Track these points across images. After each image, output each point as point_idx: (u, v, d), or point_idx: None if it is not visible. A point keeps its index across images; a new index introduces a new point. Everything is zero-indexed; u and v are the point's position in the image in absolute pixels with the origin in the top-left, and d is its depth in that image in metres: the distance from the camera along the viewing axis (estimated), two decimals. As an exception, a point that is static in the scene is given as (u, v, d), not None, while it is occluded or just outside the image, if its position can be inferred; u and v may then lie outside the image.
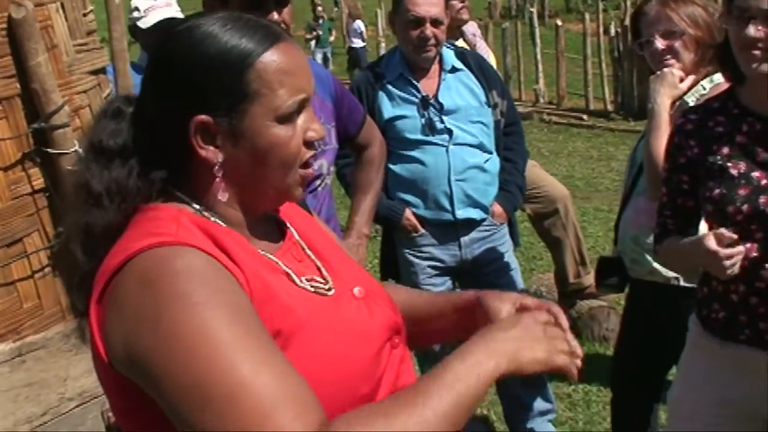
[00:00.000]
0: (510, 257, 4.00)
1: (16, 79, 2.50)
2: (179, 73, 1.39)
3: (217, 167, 1.39)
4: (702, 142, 2.42)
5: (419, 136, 3.71)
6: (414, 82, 3.74)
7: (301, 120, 1.42)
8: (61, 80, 2.61)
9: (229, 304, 1.26)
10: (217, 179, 1.40)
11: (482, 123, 3.80)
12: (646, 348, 3.28)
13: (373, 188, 3.35)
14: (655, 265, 3.14)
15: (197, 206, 1.42)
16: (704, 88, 2.92)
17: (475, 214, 3.81)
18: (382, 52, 21.49)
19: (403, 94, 3.74)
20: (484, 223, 3.84)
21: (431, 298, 1.83)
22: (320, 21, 20.38)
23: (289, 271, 1.44)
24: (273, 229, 1.54)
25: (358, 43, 19.27)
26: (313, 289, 1.45)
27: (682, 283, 3.11)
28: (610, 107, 14.64)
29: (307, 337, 1.36)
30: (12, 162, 2.54)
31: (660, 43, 2.96)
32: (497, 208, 3.86)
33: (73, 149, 2.59)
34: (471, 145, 3.76)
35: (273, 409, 1.19)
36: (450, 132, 3.72)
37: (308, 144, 1.44)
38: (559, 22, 16.35)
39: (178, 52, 1.40)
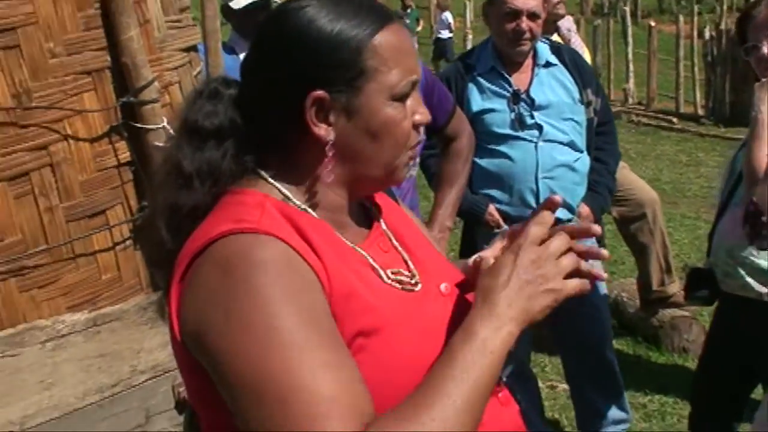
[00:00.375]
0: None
1: (107, 52, 2.51)
2: (295, 49, 1.37)
3: (329, 145, 1.37)
4: None
5: (508, 131, 3.63)
6: (506, 75, 3.67)
7: (409, 102, 1.41)
8: (152, 56, 2.61)
9: (300, 302, 1.24)
10: (327, 158, 1.38)
11: (574, 120, 3.70)
12: (732, 364, 3.16)
13: (459, 181, 3.29)
14: (748, 279, 3.02)
15: (286, 191, 1.40)
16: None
17: (561, 213, 3.71)
18: (469, 44, 21.36)
19: (493, 87, 3.67)
20: (570, 224, 3.75)
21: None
22: (408, 10, 20.31)
23: (376, 266, 1.41)
24: (361, 218, 1.51)
25: (445, 34, 19.17)
26: (399, 286, 1.42)
27: (774, 299, 2.99)
28: (700, 111, 14.31)
29: (389, 336, 1.33)
30: (99, 134, 2.55)
31: (767, 49, 2.84)
32: (584, 209, 3.75)
33: (160, 125, 2.59)
34: (561, 143, 3.66)
35: (323, 417, 1.16)
36: (540, 128, 3.63)
37: (415, 127, 1.42)
38: (653, 23, 16.01)
39: (293, 30, 1.38)
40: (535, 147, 3.62)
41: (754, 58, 2.90)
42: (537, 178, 3.63)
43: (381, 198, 1.61)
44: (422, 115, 1.42)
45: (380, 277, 1.40)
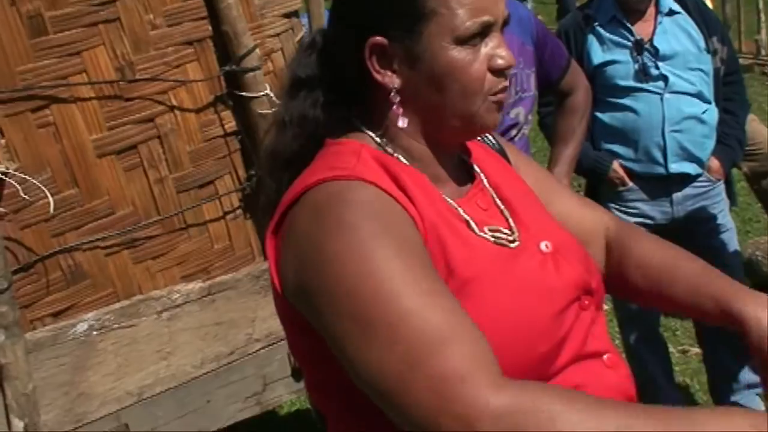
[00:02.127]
0: (725, 217, 3.66)
1: (208, 21, 2.47)
2: None
3: (393, 93, 1.31)
4: None
5: (632, 83, 3.44)
6: (627, 25, 3.47)
7: (486, 46, 1.30)
8: (253, 23, 2.56)
9: (397, 237, 1.18)
10: (395, 106, 1.32)
11: (701, 70, 3.47)
12: None
13: (575, 137, 3.14)
14: None
15: (380, 139, 1.35)
16: None
17: (690, 168, 3.50)
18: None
19: (615, 38, 3.47)
20: (700, 179, 3.53)
21: (671, 265, 1.56)
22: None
23: (469, 219, 1.33)
24: (462, 174, 1.44)
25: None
26: (493, 239, 1.33)
27: None
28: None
29: (479, 288, 1.25)
30: (204, 104, 2.53)
31: None
32: (714, 163, 3.53)
33: (264, 93, 2.54)
34: (688, 94, 3.45)
35: (440, 343, 1.09)
36: (666, 79, 3.42)
37: (495, 71, 1.31)
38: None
39: None
40: (661, 99, 3.42)
41: None
42: (664, 131, 3.43)
43: (489, 155, 1.53)
44: (503, 59, 1.31)
45: (472, 230, 1.32)
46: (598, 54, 3.48)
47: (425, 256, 1.20)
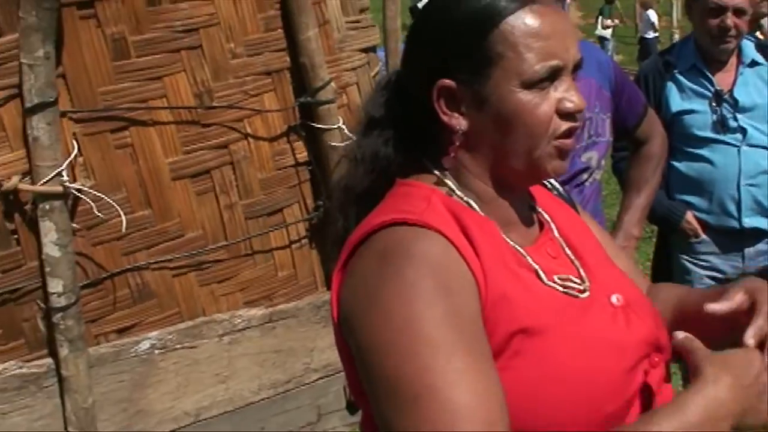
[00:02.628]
0: None
1: (287, 52, 2.50)
2: (428, 36, 1.34)
3: (458, 134, 1.30)
4: None
5: (709, 134, 3.37)
6: (708, 74, 3.41)
7: (556, 90, 1.28)
8: (330, 56, 2.58)
9: (448, 303, 1.16)
10: (453, 147, 1.30)
11: None
12: None
13: (649, 186, 3.07)
14: None
15: (452, 183, 1.33)
16: None
17: (764, 224, 3.42)
18: (677, 43, 20.52)
19: (694, 87, 3.41)
20: None
21: (701, 296, 1.59)
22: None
23: (538, 268, 1.31)
24: (531, 220, 1.41)
25: (650, 34, 18.49)
26: (563, 290, 1.31)
27: None
28: None
29: (547, 342, 1.22)
30: (278, 134, 2.54)
31: None
32: None
33: (336, 125, 2.55)
34: (766, 148, 3.38)
35: (452, 425, 1.08)
36: (744, 131, 3.35)
37: (563, 115, 1.29)
38: None
39: (430, 15, 1.35)
40: (738, 151, 3.35)
41: None
42: (739, 184, 3.35)
43: (557, 203, 1.51)
44: (573, 103, 1.28)
45: (541, 279, 1.30)
46: (676, 101, 3.42)
47: (475, 328, 1.18)
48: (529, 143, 1.28)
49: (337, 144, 2.55)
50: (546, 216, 1.43)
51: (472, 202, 1.31)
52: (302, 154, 2.59)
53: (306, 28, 2.44)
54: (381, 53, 2.76)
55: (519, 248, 1.30)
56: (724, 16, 3.27)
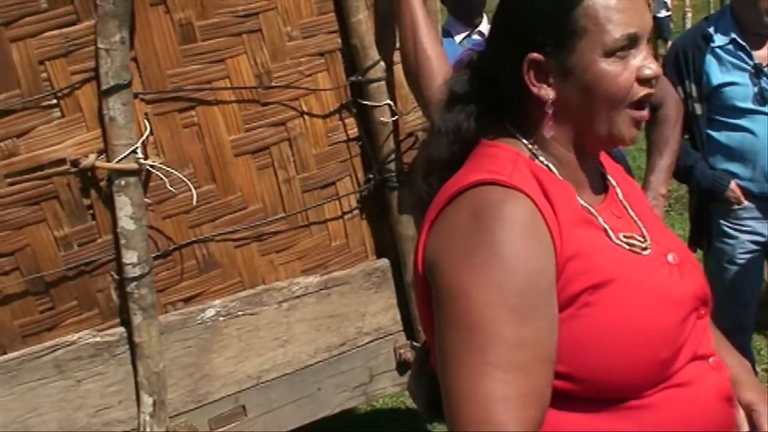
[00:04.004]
0: None
1: (338, 34, 2.58)
2: (514, 14, 1.43)
3: (548, 104, 1.40)
4: None
5: (750, 105, 3.45)
6: (747, 48, 3.48)
7: (635, 57, 1.38)
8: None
9: (533, 268, 1.27)
10: (547, 116, 1.41)
11: None
12: None
13: (669, 147, 3.15)
14: None
15: (532, 146, 1.44)
16: None
17: None
18: (689, 23, 20.38)
19: (734, 60, 3.48)
20: None
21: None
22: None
23: (607, 227, 1.42)
24: (598, 183, 1.53)
25: (662, 12, 18.37)
26: (628, 247, 1.42)
27: None
28: None
29: (615, 293, 1.34)
30: (330, 111, 2.63)
31: None
32: None
33: (385, 102, 2.64)
34: None
35: (504, 389, 1.21)
36: None
37: (642, 81, 1.39)
38: None
39: None
40: None
41: None
42: None
43: (616, 169, 1.63)
44: (651, 69, 1.38)
45: (610, 238, 1.40)
46: (716, 74, 3.49)
47: (546, 295, 1.28)
48: (611, 108, 1.39)
49: (385, 120, 2.64)
50: (611, 180, 1.54)
51: (552, 166, 1.42)
52: (353, 131, 2.68)
53: (356, 11, 2.52)
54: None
55: (591, 209, 1.41)
56: None
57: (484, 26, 4.09)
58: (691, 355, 1.40)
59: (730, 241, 3.60)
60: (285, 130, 2.57)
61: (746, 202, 3.52)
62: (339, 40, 2.59)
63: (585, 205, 1.42)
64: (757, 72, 3.42)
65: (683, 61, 3.47)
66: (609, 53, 1.36)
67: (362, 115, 2.67)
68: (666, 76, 3.48)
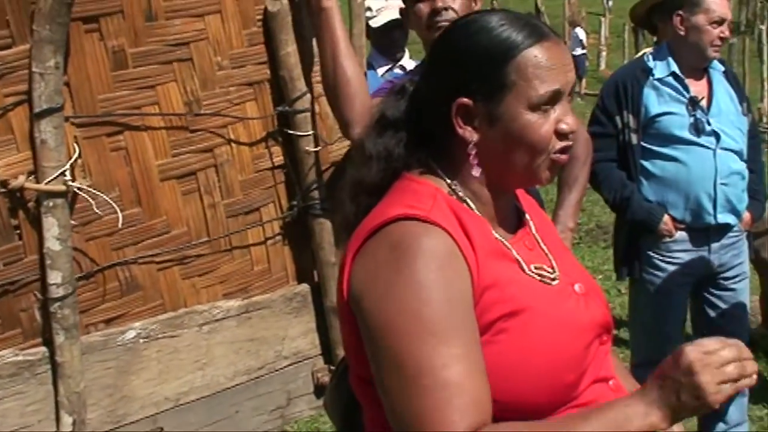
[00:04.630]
0: (746, 266, 3.89)
1: (268, 65, 2.70)
2: (452, 59, 1.51)
3: (471, 145, 1.48)
4: None
5: (687, 135, 3.63)
6: (685, 82, 3.71)
7: (555, 111, 1.47)
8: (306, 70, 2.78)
9: (450, 295, 1.36)
10: (471, 156, 1.48)
11: (741, 130, 3.73)
12: None
13: (578, 183, 3.28)
14: None
15: (452, 182, 1.51)
16: None
17: (732, 220, 3.73)
18: (603, 61, 21.06)
19: (672, 92, 3.68)
20: (734, 230, 3.77)
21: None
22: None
23: (520, 259, 1.50)
24: (513, 217, 1.61)
25: (577, 51, 18.93)
26: (539, 278, 1.51)
27: None
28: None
29: (527, 322, 1.43)
30: (257, 139, 2.74)
31: None
32: (747, 216, 3.77)
33: (311, 132, 2.77)
34: (734, 151, 3.68)
35: (446, 402, 1.30)
36: (717, 135, 3.64)
37: (560, 134, 1.48)
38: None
39: (454, 41, 1.52)
40: (714, 154, 3.64)
41: None
42: (715, 184, 3.64)
43: (529, 202, 1.72)
44: (568, 125, 1.48)
45: (523, 270, 1.51)
46: (654, 105, 3.67)
47: (469, 316, 1.38)
48: (530, 155, 1.49)
49: (311, 149, 2.77)
50: (525, 213, 1.66)
51: (469, 201, 1.53)
52: (279, 159, 2.80)
53: (285, 44, 2.65)
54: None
55: (505, 242, 1.54)
56: (723, 27, 3.59)
57: (406, 60, 4.25)
58: (594, 378, 1.54)
59: (658, 273, 3.76)
60: (212, 157, 2.67)
61: (678, 235, 3.72)
62: (268, 71, 2.71)
63: (500, 238, 1.53)
64: (693, 104, 3.63)
65: (622, 92, 3.66)
66: (534, 107, 1.45)
67: (288, 144, 2.79)
68: (604, 106, 3.69)
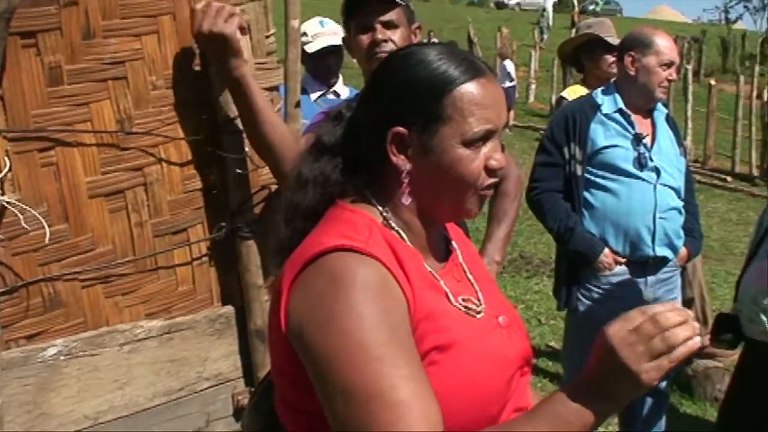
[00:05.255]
0: (679, 302, 4.08)
1: (202, 86, 2.77)
2: (390, 88, 1.60)
3: (404, 174, 1.57)
4: None
5: (631, 168, 3.83)
6: (630, 117, 3.89)
7: (486, 148, 1.58)
8: (240, 92, 2.85)
9: (389, 321, 1.44)
10: (404, 185, 1.58)
11: (679, 170, 3.94)
12: (752, 407, 3.32)
13: (508, 217, 3.42)
14: (770, 326, 3.18)
15: (384, 211, 1.60)
16: None
17: (669, 254, 3.90)
18: (532, 94, 21.50)
19: (618, 128, 3.88)
20: (669, 265, 3.94)
21: None
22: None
23: (448, 291, 1.61)
24: (442, 248, 1.71)
25: (506, 83, 19.31)
26: (465, 310, 1.62)
27: (794, 347, 3.15)
28: (755, 172, 14.32)
29: (456, 356, 1.53)
30: (188, 160, 2.80)
31: None
32: (684, 252, 3.96)
33: (242, 154, 2.84)
34: (672, 188, 3.89)
35: (398, 421, 1.37)
36: (658, 171, 3.84)
37: (489, 171, 1.59)
38: (713, 82, 16.08)
39: (393, 71, 1.61)
40: (654, 188, 3.82)
41: None
42: (655, 217, 3.81)
43: (458, 234, 1.82)
44: (497, 161, 1.59)
45: (450, 301, 1.60)
46: (601, 138, 3.87)
47: (409, 340, 1.46)
48: (459, 189, 1.59)
49: (241, 171, 2.84)
50: (453, 244, 1.76)
51: (402, 233, 1.62)
52: (209, 180, 2.87)
53: (221, 66, 2.73)
54: (282, 91, 3.06)
55: (435, 273, 1.63)
56: (671, 70, 3.80)
57: (340, 86, 4.37)
58: (514, 407, 1.65)
59: (595, 305, 3.93)
60: (142, 175, 2.72)
61: (617, 268, 3.88)
62: (202, 92, 2.78)
63: (430, 270, 1.62)
64: (637, 140, 3.83)
65: (571, 125, 3.84)
66: (466, 143, 1.55)
67: (219, 166, 2.86)
68: (552, 137, 3.86)
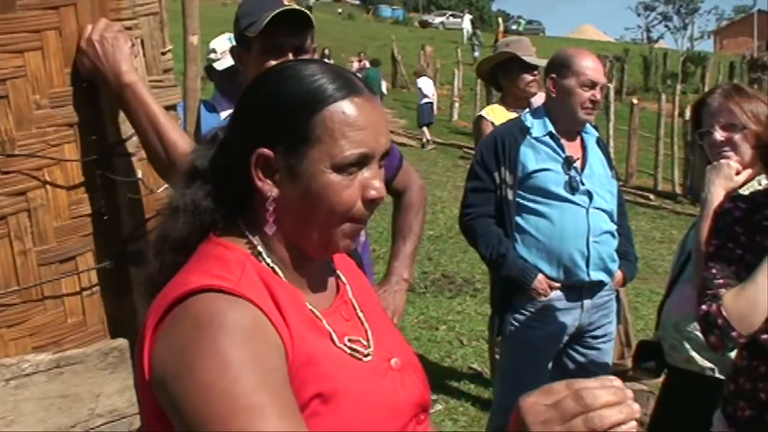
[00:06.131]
0: (613, 327, 4.08)
1: (91, 106, 2.66)
2: (258, 105, 1.49)
3: (270, 200, 1.47)
4: (747, 232, 2.47)
5: (562, 192, 3.82)
6: (561, 141, 3.88)
7: (363, 175, 1.47)
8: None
9: (261, 368, 1.33)
10: (269, 212, 1.47)
11: (611, 193, 3.94)
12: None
13: (413, 233, 3.34)
14: (693, 353, 3.20)
15: (255, 242, 1.49)
16: (760, 184, 2.98)
17: (604, 277, 3.90)
18: (456, 112, 21.71)
19: (548, 151, 3.87)
20: (605, 289, 3.93)
21: None
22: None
23: (331, 331, 1.50)
24: (329, 283, 1.60)
25: (423, 100, 19.52)
26: (350, 352, 1.51)
27: (717, 374, 3.16)
28: (678, 190, 14.63)
29: (339, 406, 1.42)
30: (76, 183, 2.69)
31: (719, 135, 3.04)
32: (619, 275, 3.97)
33: (135, 178, 2.74)
34: (605, 211, 3.90)
35: None
36: (590, 195, 3.85)
37: (366, 202, 1.48)
38: (635, 100, 16.41)
39: (263, 88, 1.50)
40: (587, 212, 3.81)
41: (707, 143, 3.11)
42: (588, 241, 3.81)
43: (348, 265, 1.72)
44: (376, 191, 1.48)
45: (333, 342, 1.50)
46: (531, 162, 3.86)
47: (284, 389, 1.34)
48: (328, 220, 1.48)
49: (134, 196, 2.74)
50: (342, 278, 1.66)
51: (277, 269, 1.51)
52: (99, 205, 2.75)
53: (111, 85, 2.62)
54: (180, 109, 2.97)
55: (317, 313, 1.52)
56: (594, 91, 3.80)
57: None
58: None
59: (528, 331, 3.91)
60: (25, 200, 2.60)
61: (552, 293, 3.86)
62: (91, 112, 2.67)
63: (312, 308, 1.52)
64: (568, 164, 3.83)
65: (501, 149, 3.82)
66: (337, 168, 1.45)
67: (109, 190, 2.75)
68: (483, 162, 3.83)
